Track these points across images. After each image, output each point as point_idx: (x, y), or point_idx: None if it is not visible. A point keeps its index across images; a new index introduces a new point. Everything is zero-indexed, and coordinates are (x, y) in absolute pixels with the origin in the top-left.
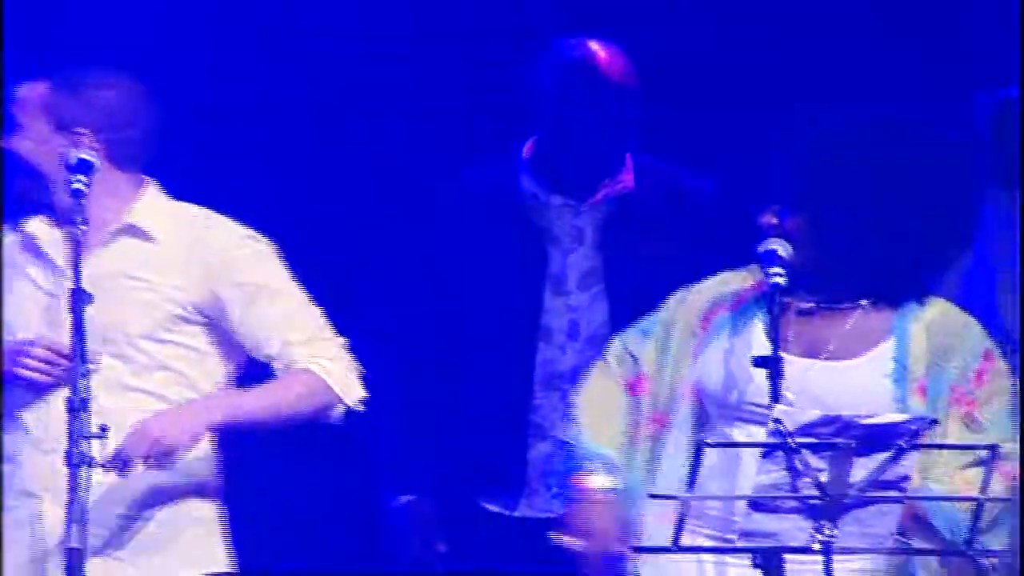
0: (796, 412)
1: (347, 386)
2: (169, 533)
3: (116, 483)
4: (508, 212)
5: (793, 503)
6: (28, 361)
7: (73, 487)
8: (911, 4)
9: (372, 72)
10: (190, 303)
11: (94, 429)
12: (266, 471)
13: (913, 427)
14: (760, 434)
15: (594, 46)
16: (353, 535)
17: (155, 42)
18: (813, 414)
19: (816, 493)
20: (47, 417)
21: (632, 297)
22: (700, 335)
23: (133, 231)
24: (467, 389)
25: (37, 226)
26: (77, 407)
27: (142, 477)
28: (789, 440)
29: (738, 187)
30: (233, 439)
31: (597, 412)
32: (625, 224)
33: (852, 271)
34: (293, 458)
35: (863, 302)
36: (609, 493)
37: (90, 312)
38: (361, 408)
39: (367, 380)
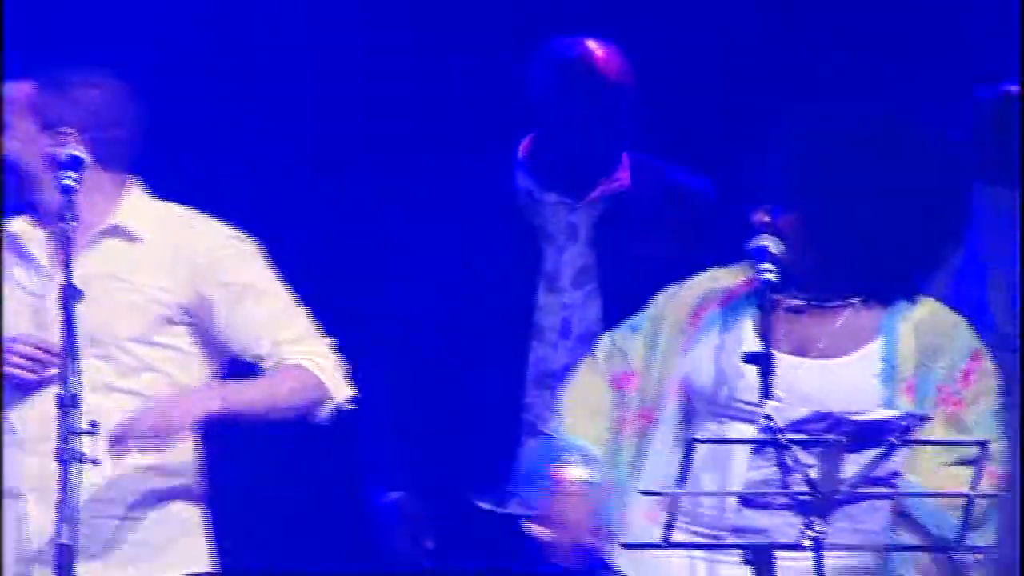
0: (786, 408)
1: (338, 384)
2: (155, 537)
3: (102, 486)
4: (502, 209)
5: (784, 499)
6: (12, 358)
7: (64, 484)
8: (911, 4)
9: (365, 69)
10: (176, 304)
11: (84, 425)
12: (253, 468)
13: (904, 423)
14: (749, 432)
15: (591, 45)
16: (341, 532)
17: (144, 40)
18: (804, 411)
19: (806, 489)
20: (31, 416)
21: (626, 295)
22: (689, 331)
23: (118, 232)
24: (459, 386)
25: (20, 226)
26: (68, 403)
27: (128, 480)
28: (779, 436)
29: (733, 185)
30: (219, 436)
31: (581, 407)
32: (620, 222)
33: (843, 269)
34: (281, 455)
35: (853, 300)
36: (584, 485)
37: (78, 313)
38: (350, 407)
39: (358, 376)
